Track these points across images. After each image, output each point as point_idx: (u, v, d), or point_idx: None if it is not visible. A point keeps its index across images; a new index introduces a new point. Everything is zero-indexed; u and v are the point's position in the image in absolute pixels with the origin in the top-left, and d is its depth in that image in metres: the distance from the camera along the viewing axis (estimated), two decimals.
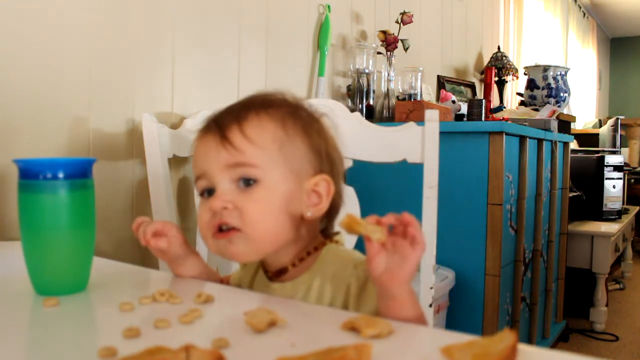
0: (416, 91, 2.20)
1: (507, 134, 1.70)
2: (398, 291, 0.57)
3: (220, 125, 0.66)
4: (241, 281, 0.78)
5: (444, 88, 2.76)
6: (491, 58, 3.28)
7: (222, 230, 0.65)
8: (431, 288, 0.94)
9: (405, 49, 2.24)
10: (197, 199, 1.36)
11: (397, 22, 2.21)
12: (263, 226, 0.65)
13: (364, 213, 1.00)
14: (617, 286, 3.33)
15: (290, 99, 0.71)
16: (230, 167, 0.64)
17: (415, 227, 0.56)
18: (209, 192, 0.67)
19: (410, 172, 1.49)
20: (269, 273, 0.73)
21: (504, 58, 3.26)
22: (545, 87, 3.06)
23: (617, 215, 3.01)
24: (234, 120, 0.66)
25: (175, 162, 1.39)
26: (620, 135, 4.03)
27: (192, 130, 0.66)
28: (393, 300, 0.57)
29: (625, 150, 4.47)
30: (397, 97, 2.20)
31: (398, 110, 1.95)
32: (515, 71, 3.27)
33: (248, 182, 0.64)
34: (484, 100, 2.09)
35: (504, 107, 2.91)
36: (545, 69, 3.08)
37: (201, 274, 0.74)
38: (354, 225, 0.56)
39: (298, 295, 0.68)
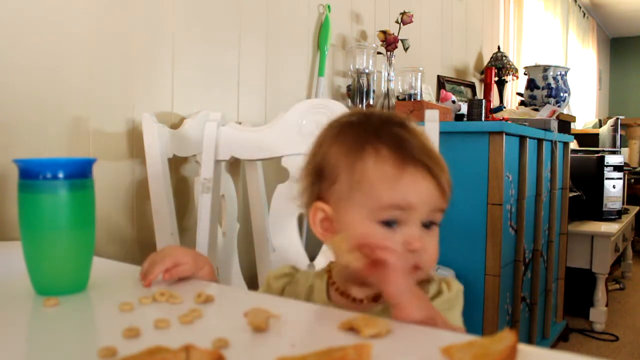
0: (416, 91, 2.20)
1: (507, 134, 1.70)
2: (419, 315, 0.56)
3: (433, 171, 0.64)
4: (298, 285, 0.76)
5: (444, 88, 2.76)
6: (491, 58, 3.28)
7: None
8: None
9: (405, 49, 2.24)
10: (197, 198, 1.37)
11: (397, 22, 2.21)
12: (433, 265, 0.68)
13: None
14: (617, 286, 3.33)
15: None
16: (434, 211, 0.65)
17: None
18: (392, 222, 0.64)
19: None
20: (349, 298, 0.70)
21: (504, 58, 3.26)
22: (545, 87, 3.06)
23: (617, 215, 3.01)
24: (442, 169, 0.66)
25: (175, 162, 1.39)
26: (620, 135, 4.02)
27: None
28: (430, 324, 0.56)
29: (625, 150, 4.47)
30: (397, 97, 2.20)
31: (398, 110, 1.95)
32: (515, 71, 3.27)
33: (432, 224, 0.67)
34: (484, 100, 2.09)
35: (504, 107, 2.91)
36: (545, 69, 3.08)
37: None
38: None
39: None
